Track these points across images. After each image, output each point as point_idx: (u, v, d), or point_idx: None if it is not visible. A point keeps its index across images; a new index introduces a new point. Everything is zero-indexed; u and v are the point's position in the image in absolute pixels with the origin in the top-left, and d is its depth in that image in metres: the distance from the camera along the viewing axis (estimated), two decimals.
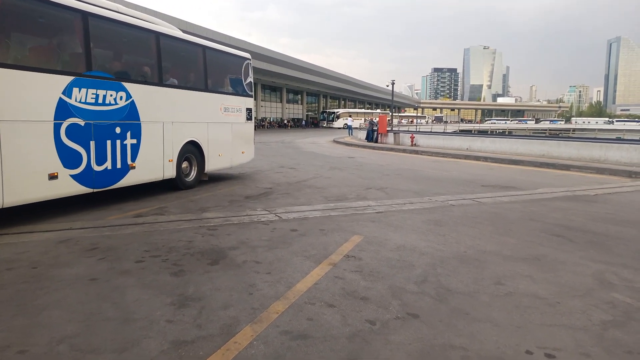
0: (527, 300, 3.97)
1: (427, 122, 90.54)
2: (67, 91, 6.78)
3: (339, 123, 64.65)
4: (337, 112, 68.85)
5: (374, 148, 25.26)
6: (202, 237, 5.92)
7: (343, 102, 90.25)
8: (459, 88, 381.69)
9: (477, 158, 18.66)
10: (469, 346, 3.13)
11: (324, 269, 4.64)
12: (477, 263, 5.00)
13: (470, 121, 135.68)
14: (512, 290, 4.21)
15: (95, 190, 7.44)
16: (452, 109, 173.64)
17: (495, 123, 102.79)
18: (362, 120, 65.34)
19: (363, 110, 77.77)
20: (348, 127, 42.08)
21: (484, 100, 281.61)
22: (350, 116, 64.37)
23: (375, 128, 29.22)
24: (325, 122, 68.06)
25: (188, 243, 5.59)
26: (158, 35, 8.77)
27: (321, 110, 76.24)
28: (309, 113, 78.56)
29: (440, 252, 5.38)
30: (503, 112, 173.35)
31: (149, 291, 4.00)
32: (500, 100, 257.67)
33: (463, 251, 5.44)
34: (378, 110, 75.49)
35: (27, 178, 6.24)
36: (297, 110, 74.87)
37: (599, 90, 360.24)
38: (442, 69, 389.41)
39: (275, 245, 5.53)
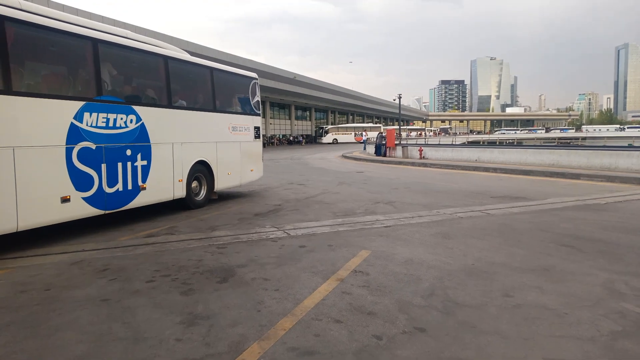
0: (536, 312, 3.96)
1: (430, 133, 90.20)
2: (79, 116, 6.95)
3: (327, 138, 64.40)
4: (326, 127, 68.45)
5: (382, 162, 25.30)
6: (211, 255, 5.99)
7: (351, 117, 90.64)
8: (467, 99, 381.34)
9: (486, 169, 18.60)
10: (476, 359, 3.14)
11: (332, 285, 4.68)
12: (485, 275, 4.99)
13: (479, 132, 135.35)
14: (521, 302, 4.21)
15: (107, 212, 7.57)
16: (461, 121, 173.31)
17: (504, 133, 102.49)
18: (352, 135, 65.44)
19: (353, 124, 77.09)
20: (363, 142, 42.11)
21: (492, 111, 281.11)
22: (338, 131, 64.45)
23: (383, 142, 29.29)
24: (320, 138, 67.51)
25: (197, 262, 5.66)
26: (166, 58, 8.98)
27: (316, 126, 75.69)
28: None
29: (448, 265, 5.38)
30: (512, 122, 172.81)
31: (159, 310, 4.06)
32: (509, 110, 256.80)
33: (471, 264, 5.44)
34: (369, 124, 75.15)
35: (40, 202, 6.39)
36: (306, 127, 75.28)
37: (609, 98, 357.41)
38: (450, 81, 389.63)
39: (283, 262, 5.58)
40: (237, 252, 6.11)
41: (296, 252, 6.05)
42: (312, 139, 68.75)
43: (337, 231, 7.36)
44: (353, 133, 66.54)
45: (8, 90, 5.92)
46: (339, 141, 63.91)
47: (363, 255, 5.84)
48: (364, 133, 51.23)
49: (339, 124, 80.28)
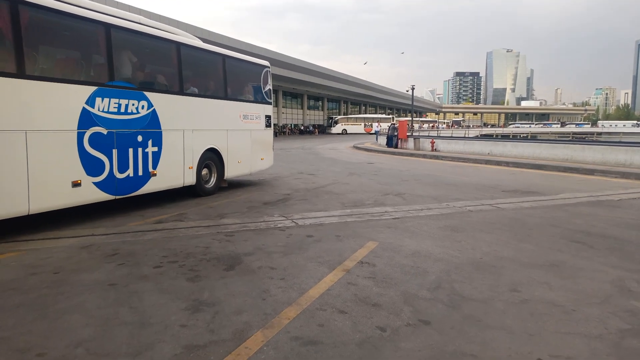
0: (543, 308, 3.92)
1: (443, 125, 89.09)
2: (90, 101, 6.99)
3: (337, 129, 63.73)
4: (336, 118, 67.82)
5: (394, 153, 25.17)
6: (219, 243, 6.02)
7: (364, 107, 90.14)
8: (482, 92, 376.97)
9: (498, 163, 18.41)
10: (480, 353, 3.11)
11: (337, 275, 4.67)
12: (492, 270, 4.95)
13: (493, 125, 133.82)
14: (528, 297, 4.16)
15: (117, 197, 7.63)
16: (475, 113, 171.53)
17: (519, 127, 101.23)
18: (362, 126, 64.76)
19: (363, 115, 76.25)
20: (375, 133, 41.84)
21: (507, 104, 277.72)
22: (347, 122, 63.81)
23: (395, 133, 29.13)
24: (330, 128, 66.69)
25: (205, 249, 5.69)
26: (179, 45, 8.97)
27: (327, 117, 74.85)
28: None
29: (456, 258, 5.35)
30: (527, 116, 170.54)
31: (165, 296, 4.09)
32: (524, 103, 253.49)
33: (479, 257, 5.40)
34: (380, 115, 74.29)
35: (52, 186, 6.45)
36: (318, 117, 75.02)
37: (627, 93, 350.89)
38: (465, 72, 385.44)
39: (290, 251, 5.58)
40: (245, 240, 6.13)
41: (303, 242, 6.05)
42: (324, 129, 68.42)
43: (346, 222, 7.35)
44: (363, 124, 66.02)
45: (21, 74, 5.96)
46: (348, 132, 63.45)
47: (370, 246, 5.82)
48: (376, 124, 50.78)
49: (351, 114, 79.85)
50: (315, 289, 4.28)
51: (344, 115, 75.53)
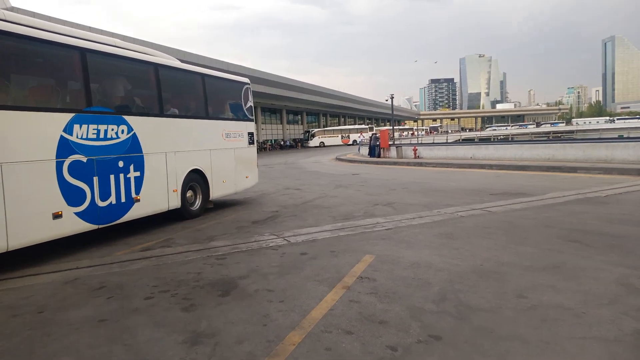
0: (553, 313, 3.81)
1: (423, 132, 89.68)
2: (68, 128, 6.74)
3: (314, 142, 63.15)
4: (312, 131, 67.20)
5: (377, 163, 25.18)
6: (211, 267, 5.80)
7: (343, 119, 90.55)
8: (458, 97, 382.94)
9: (482, 166, 18.52)
10: None
11: (338, 293, 4.50)
12: (496, 276, 4.84)
13: (471, 129, 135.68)
14: (536, 302, 4.05)
15: (100, 226, 7.35)
16: (452, 119, 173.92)
17: (496, 129, 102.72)
18: (339, 137, 64.82)
19: (339, 127, 76.08)
20: (358, 144, 41.81)
21: (483, 108, 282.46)
22: (324, 134, 63.82)
23: (377, 143, 29.18)
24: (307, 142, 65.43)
25: (197, 275, 5.47)
26: (157, 66, 8.79)
27: (304, 130, 74.35)
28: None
29: (457, 267, 5.23)
30: (503, 118, 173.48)
31: (160, 329, 3.87)
32: (499, 106, 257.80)
33: (480, 264, 5.29)
34: (358, 126, 74.34)
35: (31, 219, 6.16)
36: (297, 131, 75.02)
37: (598, 90, 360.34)
38: (439, 79, 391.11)
39: (286, 271, 5.40)
40: (237, 263, 5.92)
41: (298, 260, 5.87)
42: (303, 143, 68.03)
43: (338, 236, 7.19)
44: (340, 135, 65.94)
45: None
46: (325, 144, 63.14)
47: (367, 260, 5.67)
48: (358, 135, 50.73)
49: (330, 126, 79.99)
50: (317, 309, 4.10)
51: (323, 127, 75.53)
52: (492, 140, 49.41)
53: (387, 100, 56.06)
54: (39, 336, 3.86)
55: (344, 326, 3.71)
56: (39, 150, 6.29)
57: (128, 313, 4.31)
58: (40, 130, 6.36)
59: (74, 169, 6.80)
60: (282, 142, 65.64)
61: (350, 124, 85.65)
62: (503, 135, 69.14)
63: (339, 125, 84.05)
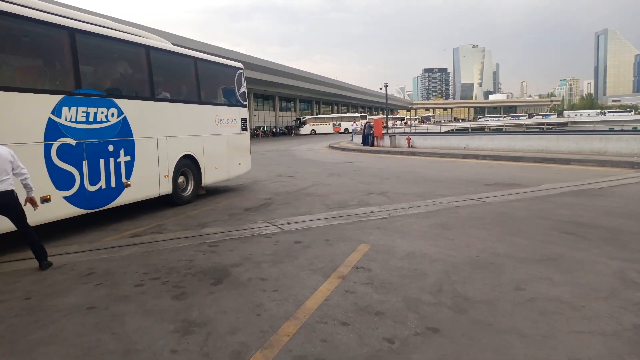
0: (551, 306, 3.76)
1: (415, 122, 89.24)
2: (57, 111, 6.55)
3: (305, 129, 62.66)
4: (304, 118, 66.69)
5: (370, 152, 25.08)
6: (203, 254, 5.69)
7: (336, 107, 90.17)
8: (451, 87, 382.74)
9: (475, 157, 18.50)
10: None
11: (333, 283, 4.42)
12: (492, 267, 4.79)
13: (463, 120, 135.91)
14: (534, 295, 4.00)
15: (90, 211, 7.20)
16: (445, 109, 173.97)
17: (488, 120, 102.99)
18: (331, 125, 64.60)
19: (331, 115, 75.73)
20: (351, 132, 41.49)
21: (475, 99, 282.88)
22: (316, 122, 63.57)
23: (371, 132, 29.06)
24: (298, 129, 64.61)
25: (189, 262, 5.36)
26: (148, 48, 8.57)
27: (296, 118, 73.61)
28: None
29: (452, 257, 5.17)
30: (495, 109, 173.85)
31: (150, 318, 3.77)
32: (492, 97, 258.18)
33: (475, 255, 5.23)
34: (349, 114, 73.97)
35: None
36: (290, 118, 74.58)
37: (589, 83, 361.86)
38: (433, 69, 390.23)
39: (280, 260, 5.31)
40: (230, 250, 5.83)
41: (292, 249, 5.78)
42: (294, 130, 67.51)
43: (333, 224, 7.11)
44: (331, 124, 65.68)
45: None
46: (317, 132, 62.86)
47: (362, 249, 5.59)
48: (351, 123, 50.44)
49: (323, 113, 79.61)
50: (312, 299, 4.02)
51: (316, 115, 75.11)
52: (485, 130, 49.48)
53: (381, 89, 55.85)
54: (24, 323, 3.74)
55: (339, 317, 3.63)
56: (27, 132, 6.11)
57: (117, 300, 4.20)
58: (28, 112, 6.17)
59: (63, 153, 6.63)
60: (274, 129, 65.19)
61: (344, 112, 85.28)
62: (496, 126, 69.32)
63: (332, 113, 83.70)
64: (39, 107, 6.32)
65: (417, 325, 3.45)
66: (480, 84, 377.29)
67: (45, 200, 6.32)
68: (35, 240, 5.33)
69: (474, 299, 3.94)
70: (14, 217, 5.24)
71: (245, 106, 12.13)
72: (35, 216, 6.15)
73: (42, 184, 6.29)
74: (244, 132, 12.04)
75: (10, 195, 5.13)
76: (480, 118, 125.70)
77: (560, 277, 4.44)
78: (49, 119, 6.44)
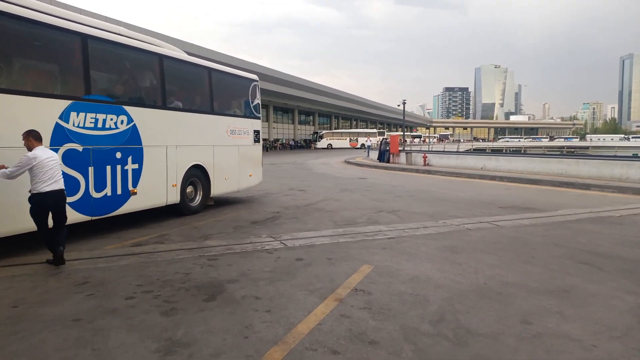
0: (559, 343, 3.49)
1: (434, 140, 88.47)
2: (64, 116, 6.54)
3: (322, 143, 62.99)
4: (321, 132, 67.06)
5: (386, 168, 24.83)
6: (200, 268, 5.54)
7: (355, 122, 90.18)
8: (471, 107, 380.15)
9: (492, 178, 18.11)
10: None
11: (329, 306, 4.22)
12: (499, 297, 4.53)
13: (483, 139, 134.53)
14: (541, 330, 3.74)
15: (94, 218, 7.14)
16: (465, 128, 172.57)
17: (508, 141, 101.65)
18: (348, 140, 64.52)
19: (348, 130, 75.57)
20: (367, 148, 41.20)
21: (496, 119, 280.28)
22: (333, 136, 63.53)
23: (387, 148, 28.83)
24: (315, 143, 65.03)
25: (185, 275, 5.21)
26: (161, 57, 8.57)
27: (313, 132, 73.73)
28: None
29: (458, 284, 4.92)
30: (516, 130, 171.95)
31: (134, 334, 3.61)
32: (513, 118, 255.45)
33: (483, 283, 4.97)
34: (366, 130, 73.69)
35: (20, 208, 5.93)
36: (309, 131, 74.75)
37: (613, 107, 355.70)
38: (454, 88, 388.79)
39: (277, 278, 5.12)
40: (229, 265, 5.66)
41: (292, 266, 5.59)
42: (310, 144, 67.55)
43: (338, 242, 6.91)
44: (348, 138, 65.67)
45: None
46: (333, 146, 62.84)
47: (365, 270, 5.37)
48: (365, 139, 50.25)
49: (342, 128, 79.56)
50: (304, 323, 3.82)
51: (334, 129, 75.17)
52: (504, 151, 48.75)
53: (399, 106, 55.67)
54: (6, 333, 3.62)
55: (330, 344, 3.42)
56: None
57: (105, 313, 4.06)
58: (35, 116, 6.14)
59: (69, 158, 6.60)
60: (292, 142, 65.37)
61: (362, 127, 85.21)
62: (515, 147, 68.32)
63: (350, 128, 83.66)
64: (46, 111, 6.31)
65: (411, 357, 3.22)
66: (502, 105, 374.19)
67: None
68: (64, 239, 5.74)
69: (476, 332, 3.69)
70: (61, 214, 5.70)
71: (258, 118, 12.08)
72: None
73: None
74: (257, 143, 11.96)
75: (62, 193, 5.67)
76: (500, 139, 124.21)
77: (572, 312, 4.16)
78: (56, 123, 6.42)
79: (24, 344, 3.42)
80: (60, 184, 5.59)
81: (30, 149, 5.43)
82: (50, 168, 5.44)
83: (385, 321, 3.87)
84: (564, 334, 3.68)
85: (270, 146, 55.85)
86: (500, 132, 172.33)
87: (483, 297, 4.50)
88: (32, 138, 5.45)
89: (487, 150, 51.92)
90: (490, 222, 8.55)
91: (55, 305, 4.28)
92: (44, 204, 5.48)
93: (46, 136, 6.23)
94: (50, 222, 5.72)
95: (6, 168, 5.32)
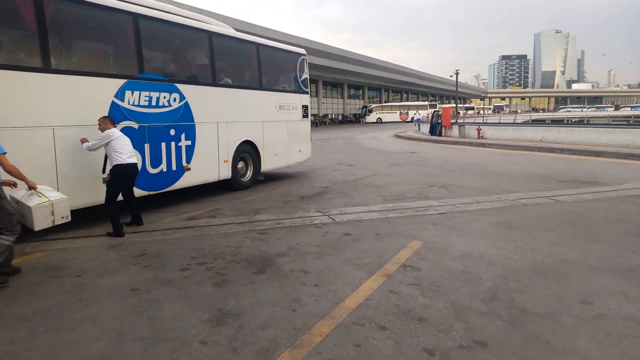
0: (622, 326, 3.29)
1: (489, 111, 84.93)
2: (120, 94, 6.77)
3: (371, 117, 61.60)
4: (370, 106, 65.42)
5: (437, 142, 24.20)
6: (251, 242, 5.66)
7: (405, 95, 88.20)
8: (530, 75, 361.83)
9: (552, 150, 17.22)
10: None
11: (377, 281, 4.18)
12: (556, 275, 4.32)
13: (542, 110, 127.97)
14: (602, 311, 3.53)
15: (150, 193, 7.42)
16: (523, 98, 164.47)
17: (570, 111, 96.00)
18: (398, 114, 62.76)
19: (398, 103, 73.26)
20: (417, 121, 40.06)
21: (557, 87, 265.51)
22: (382, 110, 61.88)
23: (439, 121, 28.03)
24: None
25: (236, 249, 5.34)
26: (210, 34, 8.64)
27: (362, 106, 72.31)
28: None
29: (513, 261, 4.73)
30: (579, 99, 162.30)
31: (188, 305, 3.74)
32: (575, 86, 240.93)
33: (540, 260, 4.76)
34: (416, 102, 71.28)
35: (82, 183, 6.27)
36: (358, 105, 73.88)
37: None
38: (511, 56, 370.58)
39: (326, 252, 5.14)
40: (278, 239, 5.74)
41: (340, 241, 5.59)
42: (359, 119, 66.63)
43: (386, 217, 6.83)
44: (398, 112, 64.07)
45: (47, 69, 5.77)
46: (383, 120, 61.60)
47: (414, 246, 5.28)
48: (414, 112, 48.87)
49: (392, 101, 78.01)
50: (352, 298, 3.81)
51: (384, 103, 73.78)
52: (564, 122, 46.18)
53: (451, 77, 53.76)
54: (70, 301, 3.86)
55: (378, 320, 3.39)
56: (90, 115, 6.32)
57: (160, 284, 4.24)
58: (92, 96, 6.40)
59: (126, 135, 6.83)
60: (340, 118, 64.81)
61: (413, 100, 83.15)
62: (577, 118, 64.51)
63: (401, 101, 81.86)
64: (102, 90, 6.55)
65: (462, 336, 3.14)
66: (563, 72, 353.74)
67: (107, 181, 6.54)
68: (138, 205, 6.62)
69: (532, 311, 3.54)
70: (132, 187, 6.41)
71: (306, 93, 12.02)
72: (98, 196, 6.42)
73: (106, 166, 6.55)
74: (305, 119, 11.95)
75: (137, 167, 6.36)
76: (561, 108, 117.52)
77: (636, 292, 3.90)
78: (112, 102, 6.66)
79: (86, 312, 3.63)
80: (135, 160, 6.22)
81: (103, 131, 6.03)
82: (126, 144, 6.12)
83: (434, 298, 3.80)
84: (627, 316, 3.46)
85: (319, 121, 55.74)
86: (561, 101, 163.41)
87: (540, 276, 4.31)
88: (108, 121, 6.11)
89: (546, 121, 49.36)
90: (548, 197, 8.15)
91: (114, 275, 4.51)
92: (126, 174, 6.12)
93: (103, 114, 6.47)
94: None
95: (87, 142, 5.99)
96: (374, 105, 66.69)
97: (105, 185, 6.35)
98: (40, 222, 4.79)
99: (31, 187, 4.80)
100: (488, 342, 3.06)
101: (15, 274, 4.49)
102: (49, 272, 4.63)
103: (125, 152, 6.05)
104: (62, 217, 5.01)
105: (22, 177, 4.56)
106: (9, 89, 5.41)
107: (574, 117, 65.72)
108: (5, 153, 4.36)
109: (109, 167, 6.24)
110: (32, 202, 4.73)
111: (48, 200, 4.82)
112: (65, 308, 3.71)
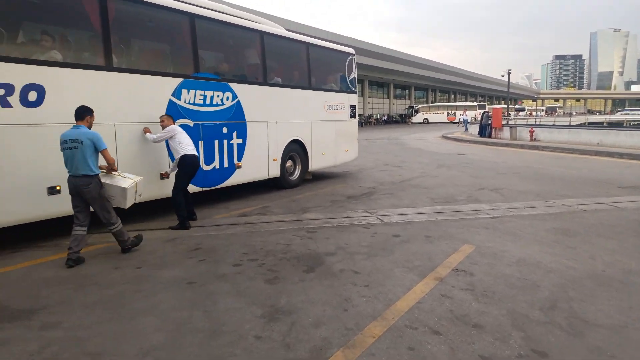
0: None
1: (541, 113, 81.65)
2: (177, 93, 7.00)
3: (417, 118, 60.68)
4: (416, 107, 64.36)
5: (487, 144, 23.55)
6: (300, 240, 5.71)
7: (453, 95, 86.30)
8: (585, 76, 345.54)
9: (610, 154, 16.39)
10: None
11: (429, 285, 4.12)
12: (620, 286, 4.11)
13: (599, 112, 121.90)
14: None
15: (204, 189, 7.64)
16: (577, 100, 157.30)
17: (629, 114, 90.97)
18: (445, 114, 61.31)
19: (445, 104, 71.44)
20: (464, 122, 39.10)
21: (614, 89, 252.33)
22: (429, 111, 60.66)
23: (489, 122, 27.25)
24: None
25: (286, 246, 5.41)
26: (262, 34, 8.79)
27: (408, 106, 71.11)
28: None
29: (572, 269, 4.54)
30: (638, 102, 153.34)
31: (241, 299, 3.83)
32: (634, 88, 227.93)
33: (601, 270, 4.55)
34: (464, 103, 69.27)
35: (142, 177, 6.52)
36: (405, 106, 72.95)
37: None
38: (565, 55, 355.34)
39: (375, 253, 5.12)
40: (327, 238, 5.77)
41: (389, 242, 5.55)
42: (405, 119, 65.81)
43: (436, 220, 6.72)
44: (446, 112, 62.79)
45: (109, 67, 6.04)
46: (429, 121, 60.53)
47: (466, 250, 5.17)
48: (461, 112, 47.69)
49: (440, 102, 76.48)
50: (403, 300, 3.78)
51: (431, 103, 72.50)
52: (624, 125, 43.81)
53: (502, 77, 52.11)
54: (131, 292, 4.03)
55: (431, 324, 3.35)
56: (149, 112, 6.58)
57: (215, 278, 4.35)
58: (151, 94, 6.65)
59: None
60: (385, 117, 64.28)
61: (461, 101, 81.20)
62: (637, 121, 61.03)
63: (449, 101, 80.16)
64: (160, 88, 6.79)
65: (521, 345, 3.04)
66: (621, 73, 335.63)
67: (164, 177, 6.80)
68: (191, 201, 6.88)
69: (594, 322, 3.39)
70: (189, 182, 6.65)
71: (354, 92, 12.01)
72: (154, 191, 6.66)
73: (162, 162, 6.80)
74: (352, 118, 11.94)
75: (199, 161, 6.74)
76: (619, 111, 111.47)
77: None
78: (170, 100, 6.90)
79: (146, 303, 3.79)
80: (197, 153, 6.65)
81: (164, 128, 6.43)
82: (188, 138, 6.53)
83: (490, 305, 3.70)
84: None
85: (364, 121, 55.45)
86: (618, 104, 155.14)
87: (601, 285, 4.12)
88: (170, 119, 6.53)
89: (604, 124, 46.99)
90: (608, 204, 7.77)
91: (172, 268, 4.68)
92: (193, 163, 6.48)
93: (161, 112, 6.72)
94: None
95: (150, 132, 6.45)
96: (420, 106, 65.74)
97: (161, 179, 6.62)
98: (130, 201, 5.29)
99: (114, 171, 5.29)
100: (548, 352, 2.95)
101: (81, 263, 4.75)
102: (110, 263, 4.85)
103: (188, 144, 6.44)
104: (139, 195, 5.48)
105: (114, 166, 5.23)
106: (76, 87, 5.69)
107: (634, 120, 62.23)
108: (106, 148, 4.95)
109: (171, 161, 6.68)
110: (125, 183, 5.23)
111: (133, 182, 5.30)
112: (126, 298, 3.88)
